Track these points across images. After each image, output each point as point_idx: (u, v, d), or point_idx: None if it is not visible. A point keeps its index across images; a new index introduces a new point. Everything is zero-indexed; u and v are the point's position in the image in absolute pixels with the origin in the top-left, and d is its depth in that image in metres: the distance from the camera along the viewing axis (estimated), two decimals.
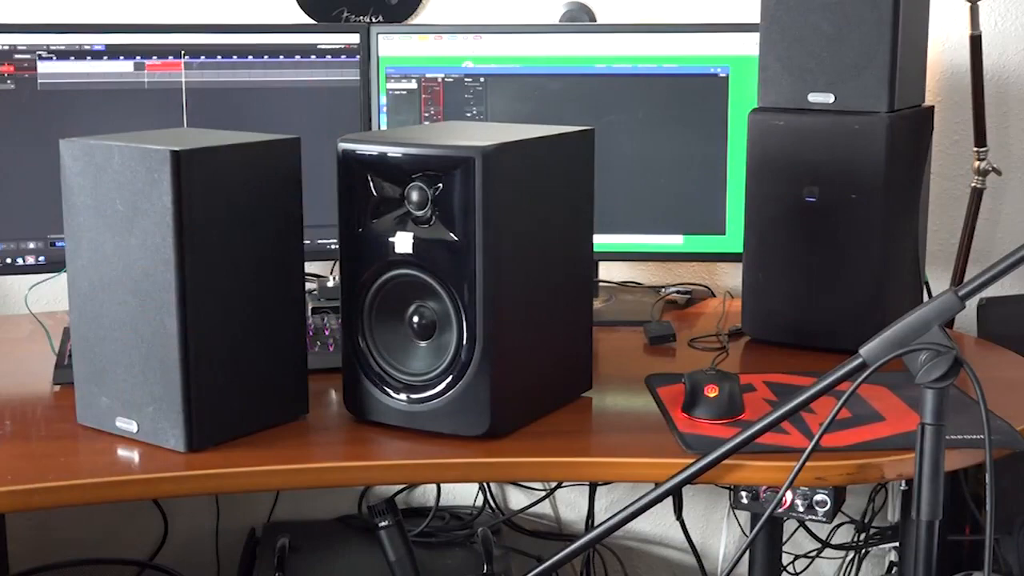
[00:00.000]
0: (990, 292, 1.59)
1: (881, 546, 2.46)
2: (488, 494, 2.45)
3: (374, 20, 2.38)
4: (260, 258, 1.61)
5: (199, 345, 1.54)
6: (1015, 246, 1.35)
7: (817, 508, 1.58)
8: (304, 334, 1.69)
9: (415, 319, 1.61)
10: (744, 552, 1.59)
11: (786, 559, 2.39)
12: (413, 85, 2.21)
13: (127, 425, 1.59)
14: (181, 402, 1.54)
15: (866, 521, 2.41)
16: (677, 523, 2.29)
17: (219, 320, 1.55)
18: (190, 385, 1.54)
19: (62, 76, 2.07)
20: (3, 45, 2.05)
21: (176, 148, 1.49)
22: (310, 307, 2.10)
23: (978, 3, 2.25)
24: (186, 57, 2.11)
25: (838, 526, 2.41)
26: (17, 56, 2.05)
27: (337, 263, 1.82)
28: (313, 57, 2.16)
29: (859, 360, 1.38)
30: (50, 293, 2.17)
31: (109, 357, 1.58)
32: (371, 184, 1.60)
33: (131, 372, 1.57)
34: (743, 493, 1.60)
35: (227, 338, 1.57)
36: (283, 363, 1.65)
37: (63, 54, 2.07)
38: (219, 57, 2.13)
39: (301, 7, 2.38)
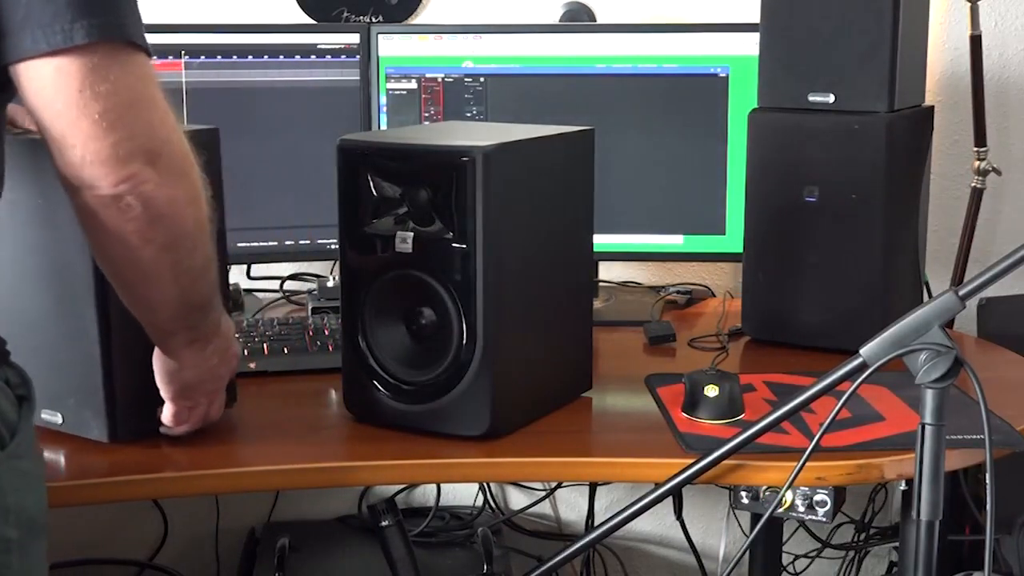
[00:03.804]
0: (990, 292, 1.58)
1: (881, 546, 2.46)
2: (488, 494, 2.45)
3: (374, 20, 2.38)
4: None
5: (119, 335, 1.52)
6: (1015, 246, 1.35)
7: (817, 508, 1.58)
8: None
9: (415, 319, 1.61)
10: (744, 552, 1.60)
11: (786, 559, 2.39)
12: (413, 85, 2.21)
13: (52, 417, 1.58)
14: (103, 392, 1.54)
15: (866, 521, 2.41)
16: (677, 523, 2.29)
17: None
18: (112, 375, 1.53)
19: None
20: None
21: None
22: (310, 307, 2.10)
23: (978, 3, 2.25)
24: (186, 57, 2.11)
25: (838, 526, 2.41)
26: None
27: (337, 263, 1.82)
28: (313, 57, 2.16)
29: (859, 360, 1.38)
30: None
31: (33, 350, 1.57)
32: (371, 184, 1.60)
33: (54, 364, 1.56)
34: (743, 493, 1.60)
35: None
36: None
37: None
38: (219, 57, 2.13)
39: (301, 7, 2.38)
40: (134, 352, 1.53)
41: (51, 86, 1.16)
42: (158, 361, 1.49)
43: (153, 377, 1.51)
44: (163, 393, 1.52)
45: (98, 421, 1.55)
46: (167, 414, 1.55)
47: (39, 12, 1.15)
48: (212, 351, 1.49)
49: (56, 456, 1.56)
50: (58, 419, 1.58)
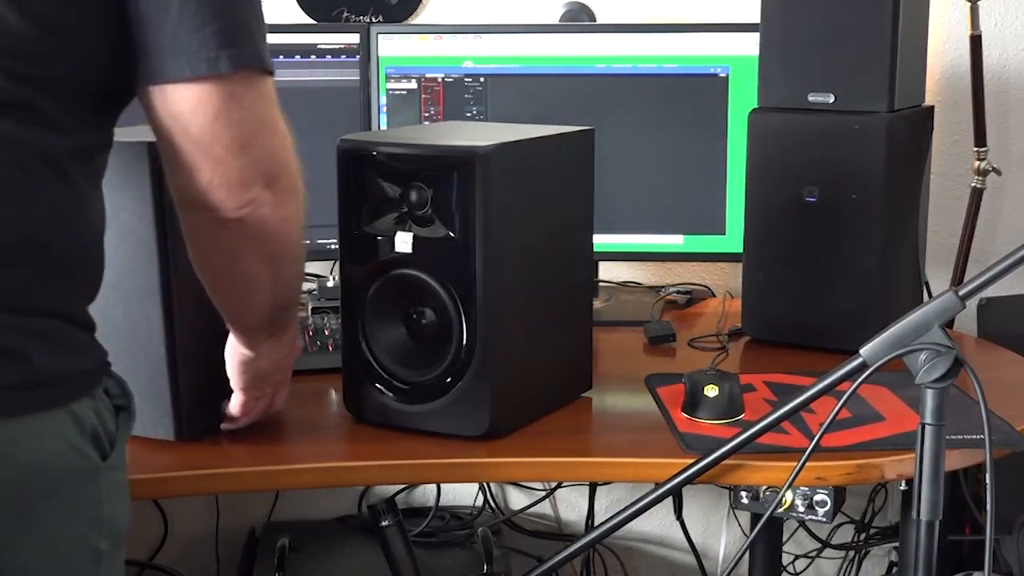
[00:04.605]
0: (990, 292, 1.58)
1: (881, 546, 2.46)
2: (488, 494, 2.45)
3: (374, 20, 2.38)
4: None
5: (184, 335, 1.53)
6: (1015, 246, 1.35)
7: (817, 508, 1.58)
8: None
9: (415, 319, 1.61)
10: (744, 552, 1.59)
11: (786, 559, 2.39)
12: (413, 85, 2.21)
13: None
14: (169, 391, 1.54)
15: (866, 521, 2.41)
16: (677, 523, 2.29)
17: (203, 309, 1.54)
18: (177, 375, 1.54)
19: None
20: None
21: (150, 140, 1.48)
22: (310, 307, 2.10)
23: (978, 3, 2.25)
24: None
25: (838, 526, 2.41)
26: None
27: (337, 263, 1.82)
28: (313, 57, 2.16)
29: (859, 360, 1.38)
30: None
31: None
32: (371, 184, 1.60)
33: (116, 365, 1.56)
34: (743, 493, 1.60)
35: (211, 326, 1.56)
36: None
37: None
38: None
39: (301, 7, 2.38)
40: (198, 351, 1.55)
41: (188, 111, 1.18)
42: (233, 352, 1.52)
43: (215, 375, 1.53)
44: (235, 383, 1.54)
45: (164, 420, 1.56)
46: (236, 404, 1.57)
47: (186, 39, 1.16)
48: (286, 342, 1.53)
49: None
50: None
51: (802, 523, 2.40)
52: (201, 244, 1.32)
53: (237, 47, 1.18)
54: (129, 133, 1.57)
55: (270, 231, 1.28)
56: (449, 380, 1.59)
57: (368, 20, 2.38)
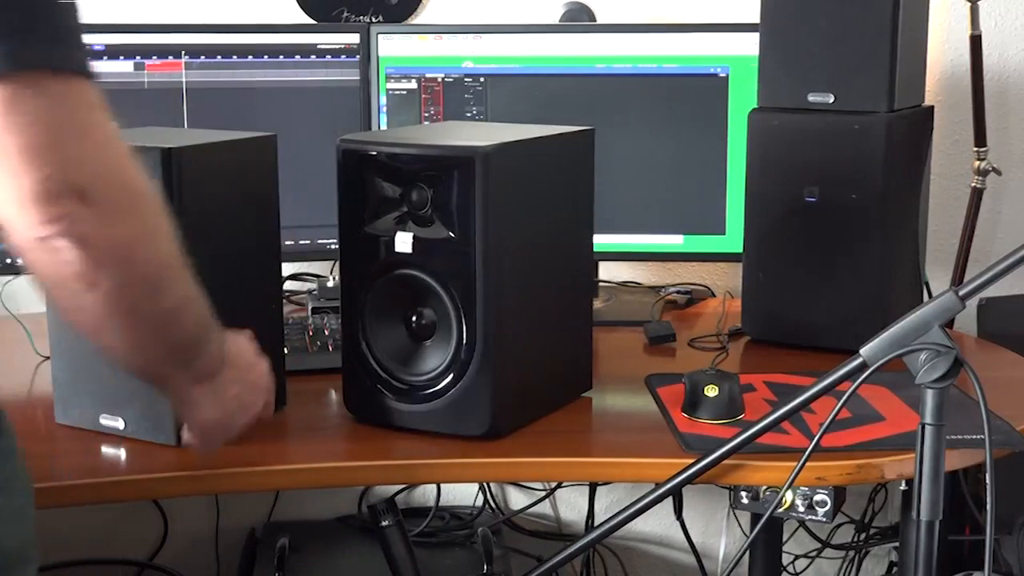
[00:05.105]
0: (990, 292, 1.58)
1: (881, 546, 2.46)
2: (488, 494, 2.45)
3: (374, 20, 2.38)
4: (241, 252, 1.61)
5: None
6: (1015, 246, 1.35)
7: (817, 508, 1.58)
8: (281, 327, 1.73)
9: (415, 319, 1.61)
10: (744, 552, 1.60)
11: (786, 559, 2.39)
12: (413, 85, 2.21)
13: (113, 422, 1.58)
14: None
15: (866, 521, 2.41)
16: (677, 523, 2.29)
17: None
18: None
19: None
20: None
21: (166, 146, 1.49)
22: (310, 307, 2.10)
23: (978, 3, 2.25)
24: (186, 57, 2.11)
25: (838, 526, 2.41)
26: None
27: (337, 263, 1.82)
28: (313, 57, 2.16)
29: (859, 360, 1.38)
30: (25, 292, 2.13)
31: (93, 355, 1.56)
32: (371, 184, 1.60)
33: (117, 372, 1.56)
34: (743, 493, 1.60)
35: None
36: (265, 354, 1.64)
37: None
38: (219, 57, 2.13)
39: (301, 7, 2.38)
40: None
41: None
42: (175, 408, 1.40)
43: None
44: (194, 438, 1.42)
45: (165, 426, 1.56)
46: (194, 440, 1.43)
47: None
48: (229, 381, 1.36)
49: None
50: (120, 424, 1.58)
51: (802, 523, 2.40)
52: (31, 272, 1.11)
53: (12, 46, 1.02)
54: (141, 136, 1.57)
55: (99, 255, 1.08)
56: (449, 380, 1.59)
57: (368, 20, 2.38)
